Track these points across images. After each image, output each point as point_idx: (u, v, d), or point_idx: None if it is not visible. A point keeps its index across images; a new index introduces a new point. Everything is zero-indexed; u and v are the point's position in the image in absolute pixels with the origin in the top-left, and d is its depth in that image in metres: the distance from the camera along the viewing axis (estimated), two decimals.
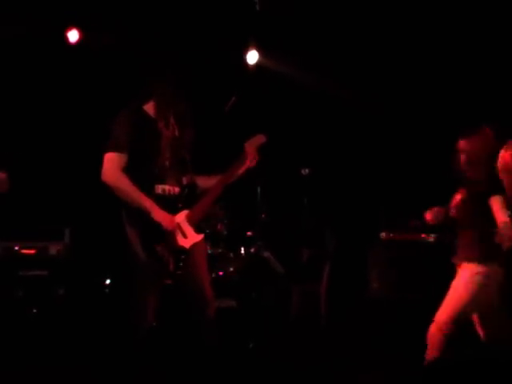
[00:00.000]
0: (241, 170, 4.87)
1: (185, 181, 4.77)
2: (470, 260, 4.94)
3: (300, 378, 5.39)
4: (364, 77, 7.69)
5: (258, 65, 7.71)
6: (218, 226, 7.14)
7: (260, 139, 4.89)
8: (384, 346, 6.41)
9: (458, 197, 5.13)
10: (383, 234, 7.37)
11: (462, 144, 5.08)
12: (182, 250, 4.62)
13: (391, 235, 7.38)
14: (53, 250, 7.18)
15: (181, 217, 4.66)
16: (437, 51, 7.45)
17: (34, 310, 6.96)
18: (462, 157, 5.07)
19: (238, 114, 5.72)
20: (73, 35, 7.48)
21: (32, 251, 7.13)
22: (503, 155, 5.08)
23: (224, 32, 7.45)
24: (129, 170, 4.51)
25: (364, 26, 7.53)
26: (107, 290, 7.33)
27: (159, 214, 4.52)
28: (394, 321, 6.87)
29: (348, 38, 7.60)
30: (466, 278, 4.94)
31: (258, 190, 7.07)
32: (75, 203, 7.54)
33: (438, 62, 7.52)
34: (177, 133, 4.68)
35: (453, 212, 5.14)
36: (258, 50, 7.67)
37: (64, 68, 7.54)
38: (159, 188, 4.61)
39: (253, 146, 4.86)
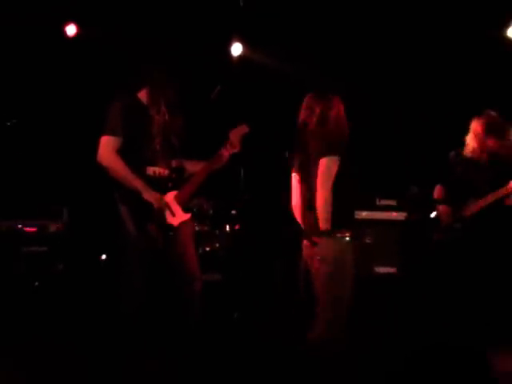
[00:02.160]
0: (225, 157, 5.13)
1: (174, 164, 5.06)
2: None
3: (284, 348, 5.48)
4: (345, 68, 7.91)
5: (241, 56, 7.95)
6: (205, 206, 7.41)
7: (243, 129, 5.18)
8: (358, 318, 6.61)
9: None
10: (357, 213, 7.59)
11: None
12: (171, 227, 4.91)
13: (363, 214, 7.78)
14: (52, 227, 7.36)
15: (169, 197, 4.94)
16: (420, 43, 7.69)
17: (36, 284, 7.13)
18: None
19: (223, 102, 5.93)
20: (71, 29, 7.67)
21: (33, 229, 7.27)
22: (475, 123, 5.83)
23: (209, 24, 7.66)
24: (122, 152, 4.78)
25: (347, 17, 7.72)
26: (102, 265, 7.51)
27: (150, 194, 4.80)
28: (367, 294, 6.80)
29: (331, 30, 7.81)
30: None
31: (242, 171, 7.26)
32: (73, 184, 7.71)
33: (417, 56, 7.76)
34: (167, 119, 4.94)
35: None
36: (242, 43, 7.91)
37: (62, 61, 7.72)
38: (150, 170, 4.89)
39: (237, 134, 5.15)
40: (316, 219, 4.39)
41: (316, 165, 4.42)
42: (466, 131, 6.10)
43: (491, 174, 5.96)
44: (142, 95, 5.00)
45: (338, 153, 4.43)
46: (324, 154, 4.40)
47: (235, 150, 5.17)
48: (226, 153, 5.13)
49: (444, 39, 7.48)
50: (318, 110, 4.58)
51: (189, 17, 7.67)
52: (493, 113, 5.98)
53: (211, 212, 7.53)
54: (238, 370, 5.27)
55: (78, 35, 7.73)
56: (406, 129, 7.81)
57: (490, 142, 5.93)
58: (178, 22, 7.62)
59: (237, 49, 7.98)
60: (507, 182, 5.82)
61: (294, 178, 4.73)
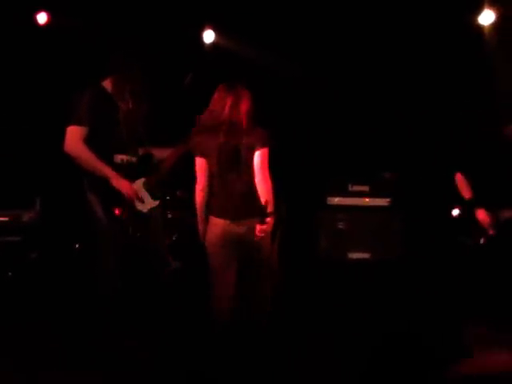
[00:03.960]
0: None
1: (141, 151, 5.14)
2: None
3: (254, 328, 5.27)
4: (318, 55, 7.89)
5: (214, 43, 7.91)
6: (178, 193, 7.41)
7: None
8: (330, 299, 6.80)
9: None
10: (329, 199, 7.83)
11: None
12: (140, 213, 4.99)
13: (335, 200, 7.85)
14: (25, 217, 7.31)
15: (138, 184, 5.02)
16: (391, 29, 7.64)
17: (10, 273, 7.10)
18: None
19: (195, 89, 5.85)
20: (41, 17, 7.64)
21: (6, 218, 7.24)
22: None
23: (181, 11, 7.63)
24: (90, 141, 4.84)
25: (319, 3, 7.67)
26: (76, 254, 7.50)
27: (119, 181, 4.88)
28: (339, 277, 7.31)
29: (303, 17, 7.75)
30: None
31: None
32: (45, 173, 7.66)
33: (389, 43, 7.72)
34: (132, 107, 4.99)
35: None
36: (214, 30, 7.86)
37: (33, 48, 7.70)
38: (118, 158, 4.97)
39: None
40: (258, 202, 4.68)
41: (251, 154, 4.69)
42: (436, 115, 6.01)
43: None
44: (107, 84, 5.05)
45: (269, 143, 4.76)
46: (263, 145, 4.70)
47: None
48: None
49: (416, 26, 7.44)
50: (246, 105, 4.77)
51: (161, 4, 7.64)
52: None
53: (184, 199, 7.38)
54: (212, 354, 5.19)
55: (48, 23, 7.71)
56: (377, 114, 7.83)
57: None
58: (150, 10, 7.60)
59: (209, 36, 7.93)
60: None
61: (201, 161, 4.82)
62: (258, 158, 4.69)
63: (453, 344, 5.08)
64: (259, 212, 4.65)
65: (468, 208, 5.55)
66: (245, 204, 4.73)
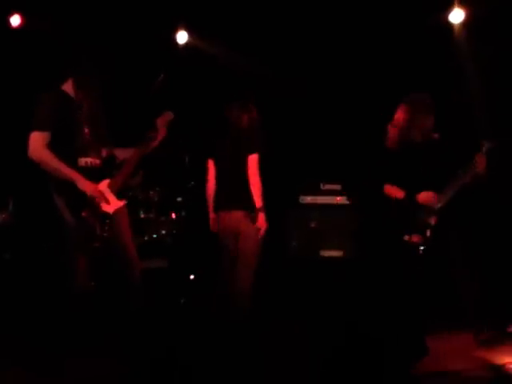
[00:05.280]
0: (153, 143, 5.29)
1: (104, 153, 5.18)
2: None
3: (227, 329, 5.55)
4: (289, 57, 7.99)
5: (187, 44, 7.93)
6: (151, 193, 7.50)
7: (168, 116, 5.36)
8: (302, 297, 6.94)
9: None
10: (302, 198, 7.95)
11: None
12: (107, 214, 5.01)
13: (308, 199, 7.95)
14: None
15: (103, 185, 5.05)
16: (360, 30, 7.72)
17: None
18: None
19: (167, 90, 5.97)
20: (15, 20, 7.66)
21: None
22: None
23: (154, 12, 7.67)
24: (53, 146, 4.85)
25: (290, 4, 7.74)
26: (47, 254, 7.45)
27: (84, 183, 4.89)
28: (312, 275, 7.42)
29: (277, 20, 7.83)
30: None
31: (187, 159, 7.49)
32: (18, 174, 7.56)
33: (358, 45, 7.81)
34: (94, 109, 5.02)
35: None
36: (188, 31, 7.89)
37: (6, 51, 7.71)
38: (82, 161, 4.99)
39: (162, 121, 5.31)
40: (251, 199, 5.58)
41: (245, 158, 5.58)
42: None
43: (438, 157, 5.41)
44: (67, 87, 5.06)
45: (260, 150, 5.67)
46: (255, 151, 5.62)
47: (161, 136, 5.35)
48: (153, 139, 5.31)
49: (385, 25, 7.52)
50: (245, 117, 5.73)
51: (134, 4, 7.69)
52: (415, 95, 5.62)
53: (156, 200, 7.60)
54: (185, 355, 5.42)
55: (22, 26, 7.72)
56: (349, 114, 7.88)
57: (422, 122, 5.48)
58: (124, 10, 7.65)
59: (182, 37, 7.95)
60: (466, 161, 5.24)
61: (210, 161, 5.88)
62: (250, 161, 5.59)
63: (413, 342, 5.18)
64: (246, 206, 5.57)
65: (409, 201, 5.39)
66: (232, 198, 5.62)
